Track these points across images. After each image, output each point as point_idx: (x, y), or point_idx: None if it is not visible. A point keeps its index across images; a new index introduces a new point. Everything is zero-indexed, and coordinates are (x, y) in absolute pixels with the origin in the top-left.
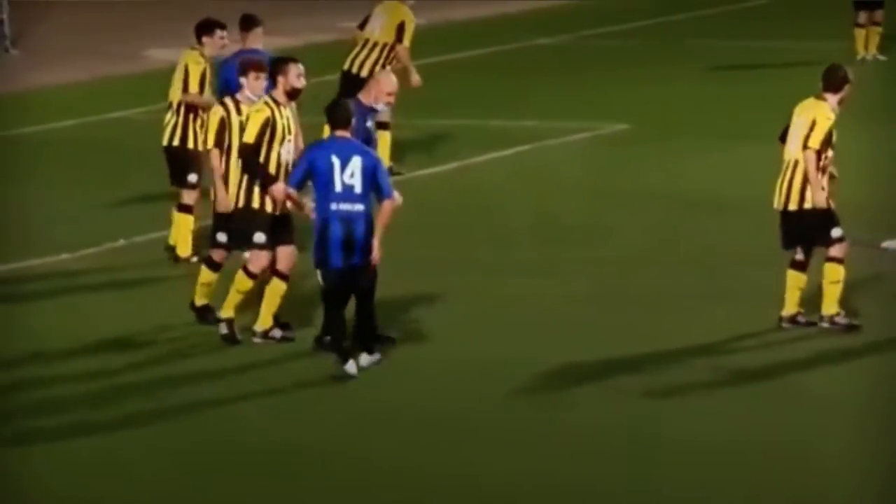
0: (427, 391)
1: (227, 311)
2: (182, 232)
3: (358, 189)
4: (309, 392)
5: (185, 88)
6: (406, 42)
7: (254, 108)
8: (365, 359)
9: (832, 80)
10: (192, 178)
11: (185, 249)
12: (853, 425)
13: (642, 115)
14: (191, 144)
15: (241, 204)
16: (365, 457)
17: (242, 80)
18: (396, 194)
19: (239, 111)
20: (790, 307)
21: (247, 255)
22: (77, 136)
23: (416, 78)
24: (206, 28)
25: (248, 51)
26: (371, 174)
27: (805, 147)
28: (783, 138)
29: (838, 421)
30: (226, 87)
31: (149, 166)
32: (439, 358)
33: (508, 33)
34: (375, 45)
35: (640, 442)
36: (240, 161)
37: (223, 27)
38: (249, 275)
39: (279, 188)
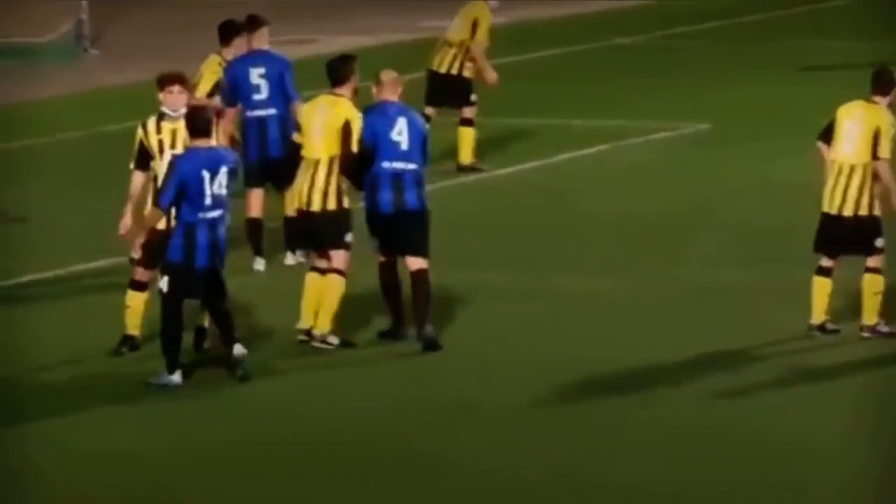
0: (502, 388)
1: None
2: None
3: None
4: (379, 389)
5: (195, 91)
6: (480, 39)
7: (353, 113)
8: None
9: (883, 83)
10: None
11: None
12: None
13: (724, 115)
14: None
15: None
16: (440, 453)
17: (160, 94)
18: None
19: (159, 130)
20: (819, 315)
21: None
22: None
23: (491, 75)
24: (228, 30)
25: (256, 51)
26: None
27: (877, 157)
28: (826, 138)
29: None
30: (233, 85)
31: None
32: (515, 356)
33: (587, 33)
34: (451, 43)
35: (720, 439)
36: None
37: (243, 27)
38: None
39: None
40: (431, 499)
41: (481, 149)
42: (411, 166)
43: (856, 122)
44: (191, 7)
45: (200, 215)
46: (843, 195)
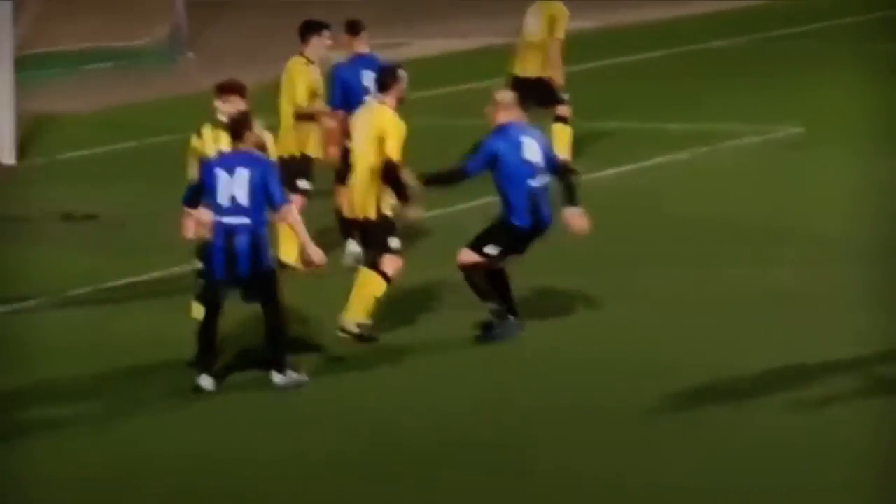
0: (593, 390)
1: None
2: (288, 237)
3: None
4: (465, 388)
5: (293, 98)
6: (558, 35)
7: (394, 120)
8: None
9: None
10: (304, 183)
11: (290, 254)
12: None
13: (818, 118)
14: (299, 153)
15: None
16: (528, 455)
17: (218, 102)
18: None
19: (217, 138)
20: None
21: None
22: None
23: (560, 76)
24: (312, 29)
25: (364, 55)
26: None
27: None
28: None
29: None
30: (346, 88)
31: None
32: (603, 358)
33: (682, 36)
34: (533, 45)
35: (815, 446)
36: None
37: (329, 27)
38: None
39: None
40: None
41: (575, 152)
42: (545, 181)
43: None
44: (286, 10)
45: (217, 218)
46: None
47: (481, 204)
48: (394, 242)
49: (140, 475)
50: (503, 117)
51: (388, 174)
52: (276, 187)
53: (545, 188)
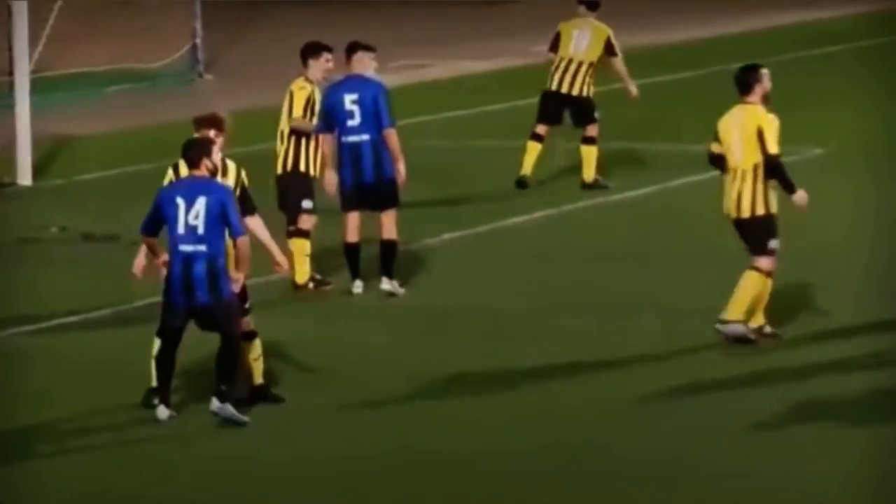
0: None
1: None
2: (298, 257)
3: (200, 230)
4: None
5: (290, 114)
6: (620, 54)
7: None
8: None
9: None
10: (308, 203)
11: (302, 276)
12: None
13: (839, 140)
14: (303, 169)
15: None
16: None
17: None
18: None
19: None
20: None
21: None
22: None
23: (633, 89)
24: (312, 51)
25: (353, 76)
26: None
27: None
28: None
29: None
30: (329, 112)
31: None
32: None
33: (705, 58)
34: (581, 63)
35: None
36: None
37: (329, 50)
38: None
39: None
40: None
41: (604, 172)
42: None
43: None
44: (305, 32)
45: (177, 246)
46: None
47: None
48: (773, 243)
49: (157, 484)
50: None
51: (772, 169)
52: (234, 215)
53: None
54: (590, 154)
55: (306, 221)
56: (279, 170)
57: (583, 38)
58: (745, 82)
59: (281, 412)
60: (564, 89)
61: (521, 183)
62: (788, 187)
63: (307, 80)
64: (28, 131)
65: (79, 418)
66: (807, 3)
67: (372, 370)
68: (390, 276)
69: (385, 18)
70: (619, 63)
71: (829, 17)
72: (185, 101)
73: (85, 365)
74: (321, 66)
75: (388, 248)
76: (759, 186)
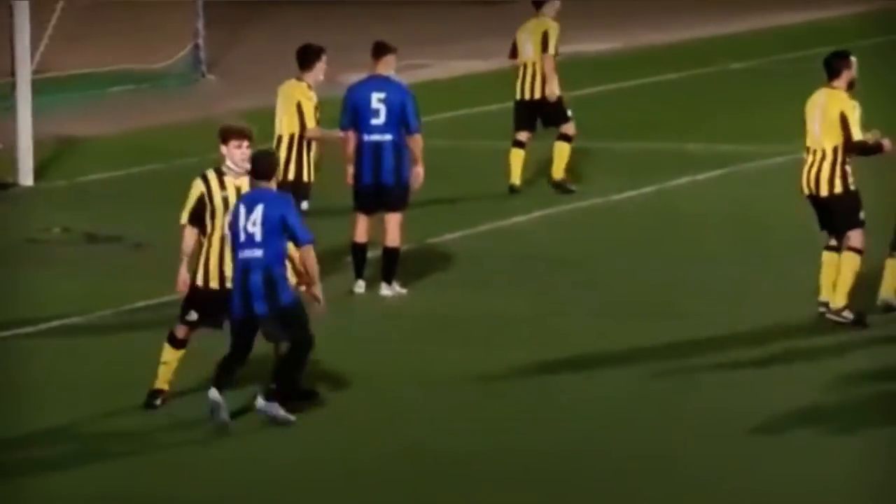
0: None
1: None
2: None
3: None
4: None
5: (304, 125)
6: (550, 51)
7: (848, 103)
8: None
9: None
10: (305, 205)
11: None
12: None
13: None
14: (305, 178)
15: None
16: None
17: (223, 148)
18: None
19: (223, 185)
20: None
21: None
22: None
23: (555, 91)
24: (313, 54)
25: (380, 77)
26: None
27: None
28: None
29: None
30: (353, 109)
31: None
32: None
33: (702, 58)
34: (535, 65)
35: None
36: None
37: (325, 51)
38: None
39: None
40: None
41: (596, 174)
42: None
43: None
44: (306, 33)
45: (237, 253)
46: None
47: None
48: (861, 214)
49: (165, 485)
50: None
51: (857, 149)
52: (297, 226)
53: None
54: (562, 151)
55: None
56: (280, 175)
57: (528, 40)
58: (834, 69)
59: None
60: (527, 95)
61: (512, 191)
62: (875, 150)
63: (308, 86)
64: (30, 132)
65: (83, 421)
66: (804, 3)
67: (375, 369)
68: (390, 283)
69: (384, 18)
70: (546, 59)
71: (826, 17)
72: (188, 101)
73: (88, 366)
74: (321, 69)
75: (391, 255)
76: (838, 168)
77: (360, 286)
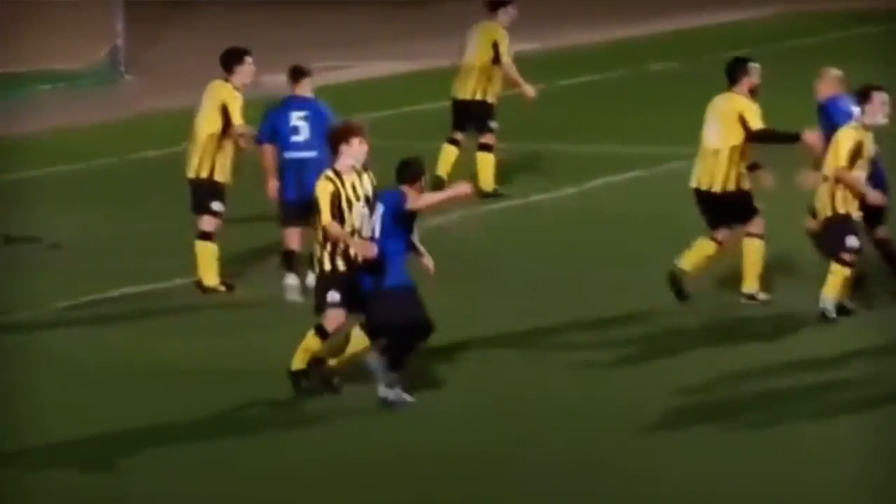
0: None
1: None
2: (208, 260)
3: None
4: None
5: (229, 124)
6: (507, 59)
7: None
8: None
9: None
10: (217, 205)
11: (211, 278)
12: None
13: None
14: (218, 177)
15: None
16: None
17: (343, 146)
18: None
19: (344, 184)
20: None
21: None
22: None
23: (529, 90)
24: (236, 57)
25: (299, 98)
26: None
27: None
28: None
29: None
30: (272, 134)
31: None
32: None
33: (622, 59)
34: (472, 68)
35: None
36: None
37: (250, 53)
38: None
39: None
40: None
41: (507, 175)
42: None
43: None
44: (223, 32)
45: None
46: None
47: None
48: (755, 204)
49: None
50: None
51: (761, 137)
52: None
53: None
54: (486, 162)
55: (209, 223)
56: (193, 173)
57: (472, 43)
58: (732, 76)
59: (287, 413)
60: (459, 95)
61: (437, 182)
62: (790, 139)
63: (234, 87)
64: None
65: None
66: (727, 4)
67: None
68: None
69: (306, 18)
70: (506, 68)
71: (750, 18)
72: (107, 101)
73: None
74: (246, 70)
75: None
76: (734, 167)
77: (291, 279)
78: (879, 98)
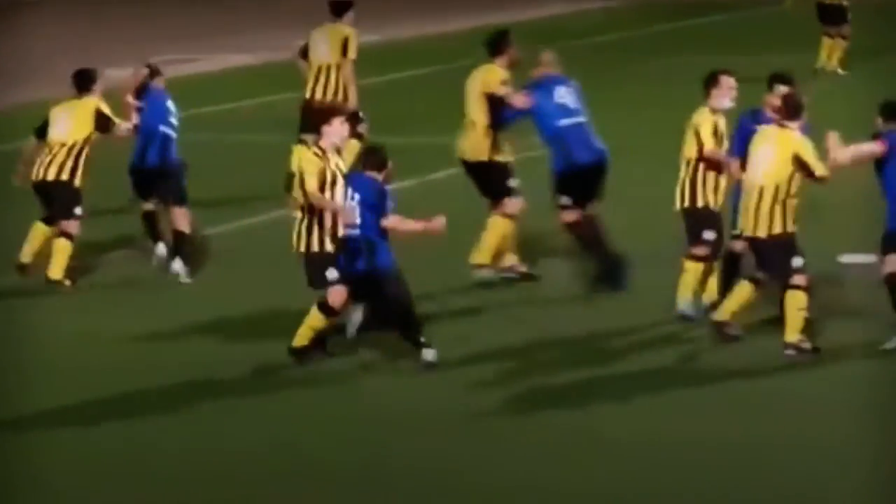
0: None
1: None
2: (64, 257)
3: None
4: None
5: (107, 128)
6: (351, 55)
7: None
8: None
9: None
10: (79, 210)
11: (59, 273)
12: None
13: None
14: (77, 183)
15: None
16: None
17: (325, 127)
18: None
19: (329, 161)
20: None
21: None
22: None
23: (354, 98)
24: (87, 80)
25: (159, 90)
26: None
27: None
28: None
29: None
30: (152, 121)
31: (109, 184)
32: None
33: (454, 52)
34: (329, 68)
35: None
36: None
37: (97, 73)
38: None
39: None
40: None
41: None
42: None
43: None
44: (70, 29)
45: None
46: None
47: None
48: (511, 182)
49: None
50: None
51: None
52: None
53: None
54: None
55: (74, 226)
56: (53, 176)
57: (322, 44)
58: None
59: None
60: (318, 96)
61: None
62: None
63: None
64: None
65: None
66: None
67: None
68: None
69: (149, 12)
70: (346, 63)
71: (565, 13)
72: None
73: None
74: (101, 89)
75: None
76: (490, 139)
77: (160, 248)
78: (727, 82)
